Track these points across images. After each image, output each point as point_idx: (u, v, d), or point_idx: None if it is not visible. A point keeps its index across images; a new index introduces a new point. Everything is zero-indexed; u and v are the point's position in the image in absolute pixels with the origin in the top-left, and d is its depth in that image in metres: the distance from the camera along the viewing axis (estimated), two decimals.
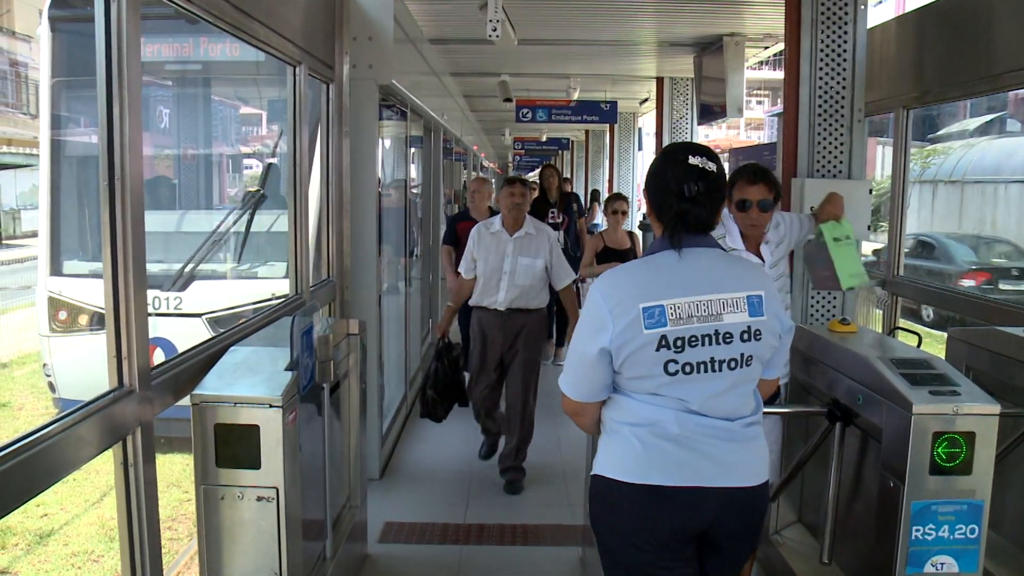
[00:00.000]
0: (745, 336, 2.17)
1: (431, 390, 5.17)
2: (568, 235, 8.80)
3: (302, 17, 4.04)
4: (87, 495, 5.88)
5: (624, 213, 6.93)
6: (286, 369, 2.80)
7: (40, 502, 5.80)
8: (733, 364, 2.17)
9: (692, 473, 2.16)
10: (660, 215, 2.25)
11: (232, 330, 3.17)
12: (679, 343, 2.13)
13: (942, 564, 2.66)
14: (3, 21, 27.50)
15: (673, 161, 2.22)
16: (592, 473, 2.32)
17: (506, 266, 5.00)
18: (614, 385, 2.26)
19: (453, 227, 6.80)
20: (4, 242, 22.79)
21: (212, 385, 2.67)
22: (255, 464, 2.63)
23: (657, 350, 2.12)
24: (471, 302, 5.19)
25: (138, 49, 2.29)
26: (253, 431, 2.61)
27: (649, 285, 2.16)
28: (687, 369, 2.14)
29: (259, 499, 2.64)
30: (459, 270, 5.27)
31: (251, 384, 2.68)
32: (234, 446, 2.62)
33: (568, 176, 18.02)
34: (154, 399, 2.41)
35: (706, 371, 2.15)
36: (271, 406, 2.60)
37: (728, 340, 2.16)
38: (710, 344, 2.14)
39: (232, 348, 2.94)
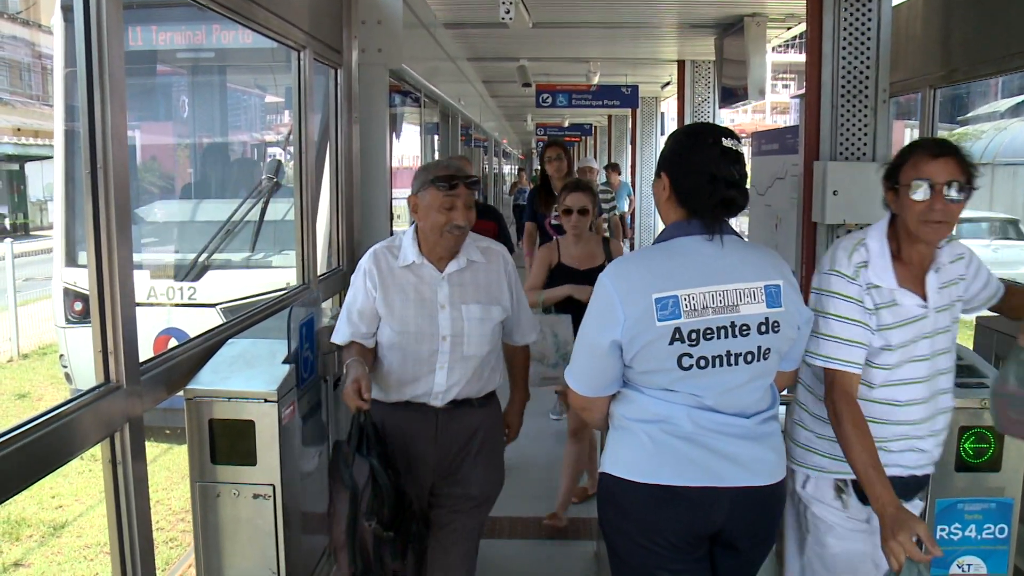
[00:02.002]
0: (763, 328, 2.05)
1: (371, 519, 2.54)
2: None
3: (307, 0, 3.95)
4: (102, 486, 5.86)
5: (585, 212, 4.18)
6: (284, 362, 2.72)
7: (55, 493, 5.80)
8: (750, 357, 2.05)
9: (705, 472, 2.05)
10: (689, 201, 2.08)
11: (230, 322, 3.09)
12: (694, 336, 2.00)
13: (969, 565, 2.54)
14: (29, 14, 27.79)
15: (702, 144, 2.07)
16: (600, 471, 2.21)
17: (443, 325, 2.70)
18: (624, 379, 2.14)
19: None
20: (31, 233, 23.08)
21: (206, 379, 2.61)
22: (251, 460, 2.56)
23: (671, 343, 2.00)
24: (375, 395, 2.72)
25: (120, 34, 2.20)
26: (248, 427, 2.54)
27: (662, 274, 2.03)
28: (702, 363, 2.02)
29: (255, 496, 2.57)
30: (333, 340, 2.81)
31: (246, 378, 2.61)
32: (229, 442, 2.56)
33: (616, 162, 14.79)
34: (144, 394, 2.33)
35: (722, 365, 2.03)
36: (266, 401, 2.53)
37: (745, 332, 2.03)
38: (726, 337, 2.02)
39: (230, 341, 2.87)
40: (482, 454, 2.85)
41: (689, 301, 2.00)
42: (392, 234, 5.37)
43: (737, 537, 2.14)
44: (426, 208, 2.68)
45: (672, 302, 2.00)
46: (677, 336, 2.00)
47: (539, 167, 6.24)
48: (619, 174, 13.20)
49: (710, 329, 2.01)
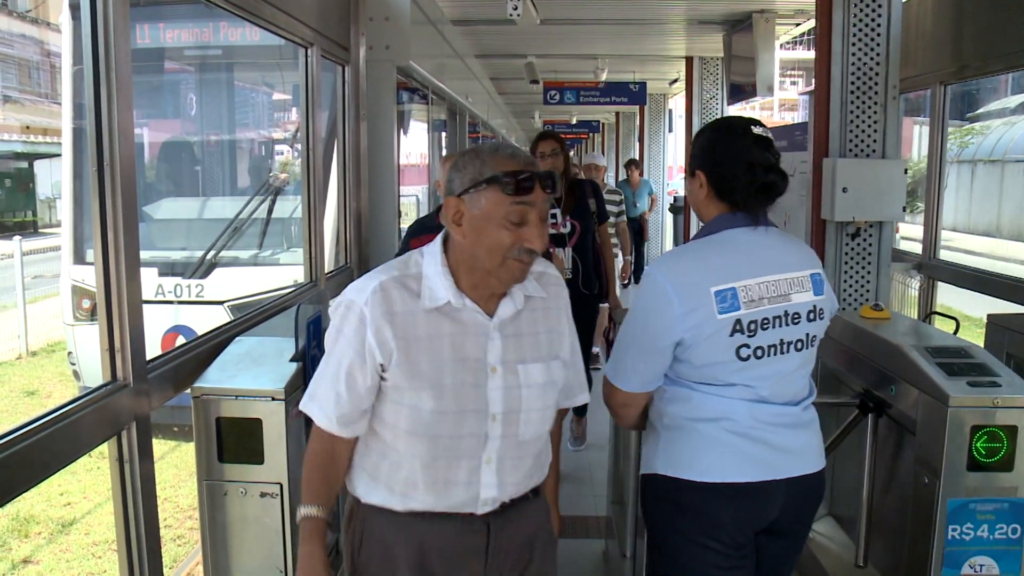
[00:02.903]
0: (811, 316, 2.10)
1: None
2: (581, 257, 4.77)
3: None
4: (110, 483, 5.87)
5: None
6: (291, 360, 2.71)
7: (64, 490, 5.81)
8: (800, 345, 2.09)
9: (765, 467, 2.07)
10: (730, 192, 2.10)
11: (238, 320, 3.08)
12: (752, 326, 2.03)
13: (981, 566, 2.52)
14: (38, 12, 27.85)
15: (733, 134, 2.10)
16: (651, 472, 2.18)
17: (494, 398, 1.82)
18: (673, 375, 2.14)
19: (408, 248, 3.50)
20: (39, 230, 23.14)
21: (213, 377, 2.59)
22: (258, 459, 2.54)
23: (731, 335, 2.02)
24: (367, 499, 1.90)
25: (127, 32, 2.19)
26: (256, 425, 2.53)
27: (718, 266, 2.05)
28: (758, 353, 2.05)
29: (263, 495, 2.56)
30: (314, 416, 1.86)
31: (254, 376, 2.60)
32: (236, 440, 2.54)
33: (636, 158, 13.55)
34: (151, 392, 2.33)
35: (776, 354, 2.06)
36: (273, 399, 2.51)
37: (796, 321, 2.07)
38: (780, 326, 2.06)
39: (237, 339, 2.86)
40: (544, 558, 2.01)
41: (746, 292, 2.03)
42: (400, 237, 5.36)
43: (786, 525, 2.16)
44: (480, 220, 1.73)
45: (731, 294, 2.02)
46: (737, 328, 2.02)
47: None
48: (640, 171, 12.66)
49: (766, 319, 2.04)
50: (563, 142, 4.90)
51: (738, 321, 2.01)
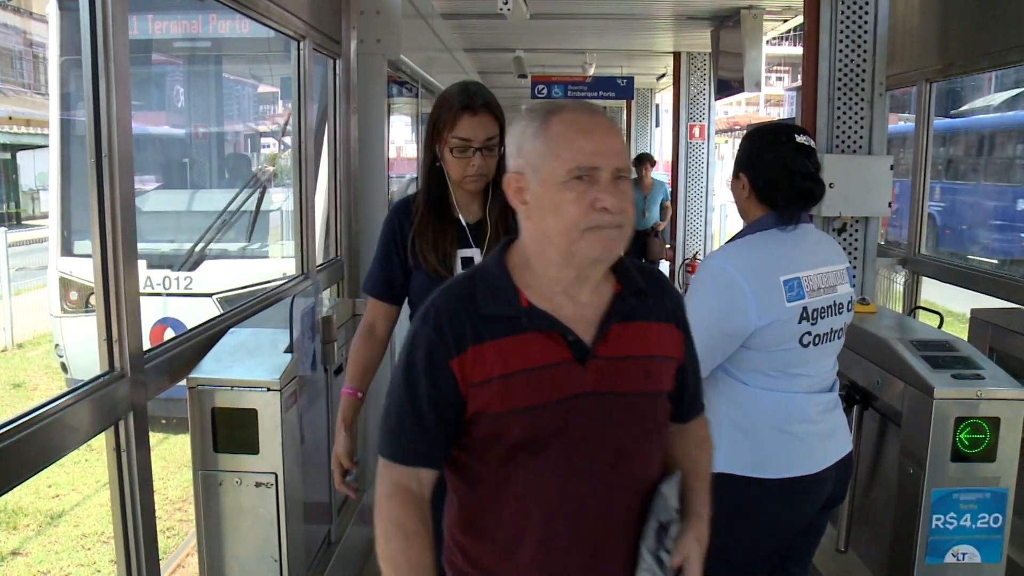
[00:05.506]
0: (849, 306, 2.25)
1: None
2: None
3: None
4: (98, 475, 5.87)
5: None
6: (285, 351, 2.73)
7: (52, 483, 5.80)
8: (840, 333, 2.23)
9: (824, 455, 2.17)
10: (771, 196, 2.20)
11: (232, 311, 3.10)
12: (815, 315, 2.14)
13: (963, 554, 2.57)
14: (21, 2, 27.59)
15: (777, 142, 2.21)
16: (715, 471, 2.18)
17: None
18: (738, 373, 2.17)
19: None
20: (23, 222, 22.97)
21: (209, 368, 2.61)
22: (253, 449, 2.56)
23: (799, 323, 2.11)
24: None
25: (125, 22, 2.20)
26: (251, 415, 2.55)
27: (783, 258, 2.15)
28: (817, 341, 2.16)
29: (258, 485, 2.58)
30: None
31: (249, 367, 2.61)
32: (232, 431, 2.56)
33: (648, 153, 9.85)
34: (148, 383, 2.34)
35: (828, 341, 2.19)
36: (269, 390, 2.54)
37: (840, 310, 2.21)
38: (831, 315, 2.18)
39: (231, 330, 2.88)
40: None
41: (808, 282, 2.14)
42: None
43: (829, 507, 2.27)
44: None
45: (796, 283, 2.13)
46: (804, 315, 2.12)
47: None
48: (652, 167, 9.49)
49: (823, 308, 2.16)
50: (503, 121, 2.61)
51: (804, 309, 2.11)
